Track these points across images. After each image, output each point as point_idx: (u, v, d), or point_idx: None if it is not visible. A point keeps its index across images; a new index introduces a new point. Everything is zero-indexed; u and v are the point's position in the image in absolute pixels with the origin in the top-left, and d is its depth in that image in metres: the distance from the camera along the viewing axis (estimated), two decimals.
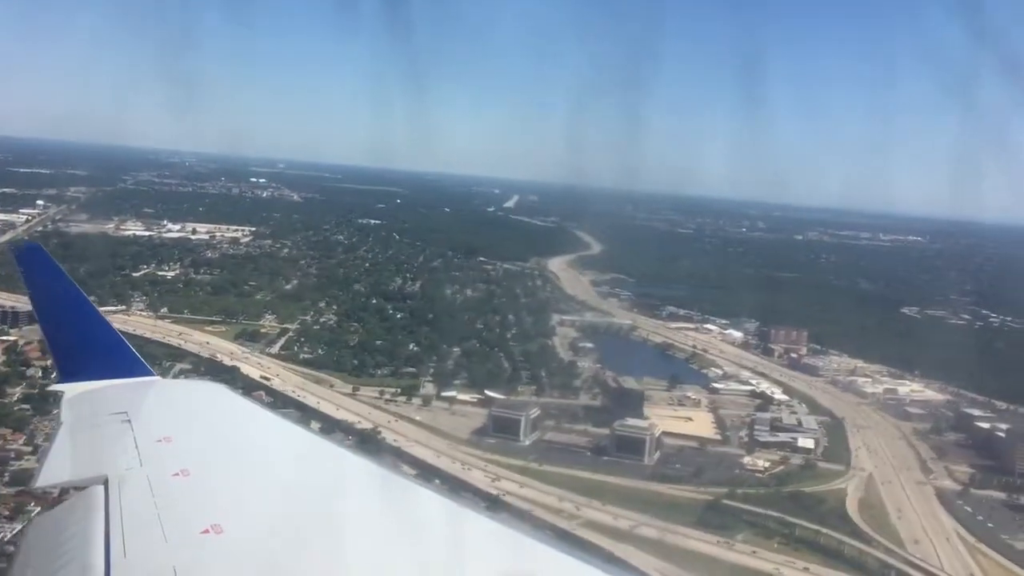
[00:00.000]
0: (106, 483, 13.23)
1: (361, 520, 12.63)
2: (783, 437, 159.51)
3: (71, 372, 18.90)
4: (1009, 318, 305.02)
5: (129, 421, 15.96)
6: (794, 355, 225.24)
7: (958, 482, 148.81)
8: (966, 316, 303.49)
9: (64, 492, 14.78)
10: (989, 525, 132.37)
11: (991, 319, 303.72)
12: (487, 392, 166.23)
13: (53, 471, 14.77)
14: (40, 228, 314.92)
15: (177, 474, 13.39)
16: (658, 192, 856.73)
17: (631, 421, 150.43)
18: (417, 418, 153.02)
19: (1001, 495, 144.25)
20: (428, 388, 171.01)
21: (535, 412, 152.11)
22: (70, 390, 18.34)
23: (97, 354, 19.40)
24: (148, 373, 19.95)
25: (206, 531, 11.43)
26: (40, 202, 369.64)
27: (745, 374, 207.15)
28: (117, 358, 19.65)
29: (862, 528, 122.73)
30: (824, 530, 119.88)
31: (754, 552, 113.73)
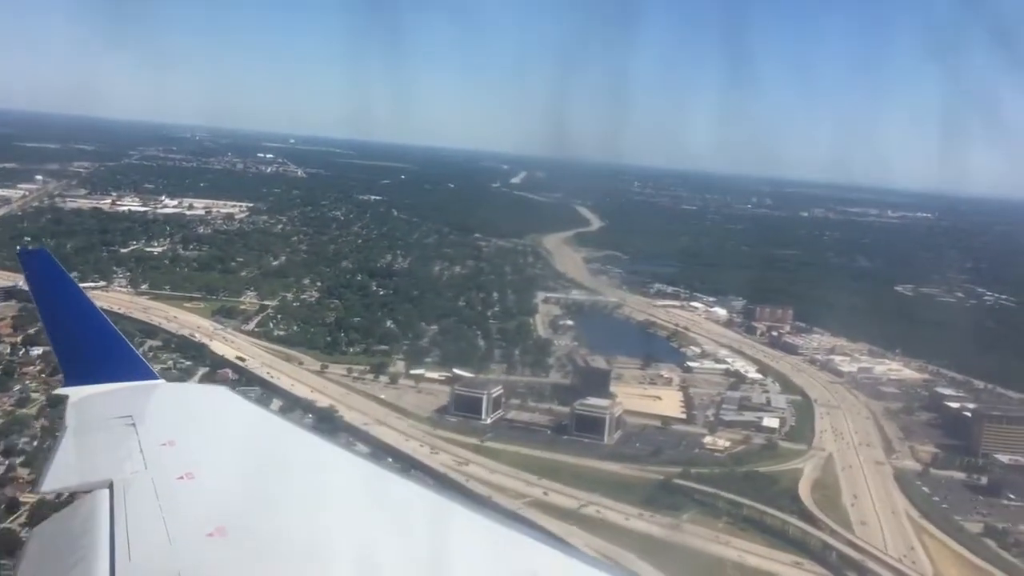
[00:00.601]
0: (111, 486, 13.32)
1: (365, 522, 12.85)
2: (749, 416, 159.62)
3: (76, 376, 19.04)
4: (1004, 296, 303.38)
5: (134, 425, 16.07)
6: (775, 333, 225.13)
7: (920, 462, 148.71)
8: (960, 294, 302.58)
9: (70, 494, 14.95)
10: (944, 506, 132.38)
11: (985, 297, 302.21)
12: (455, 370, 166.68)
13: (58, 476, 14.92)
14: (36, 204, 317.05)
15: (182, 477, 13.48)
16: (668, 168, 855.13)
17: (591, 400, 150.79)
18: (381, 396, 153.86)
19: (961, 475, 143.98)
20: (399, 366, 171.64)
21: (497, 391, 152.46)
22: (75, 394, 18.48)
23: (102, 358, 19.51)
24: (152, 376, 20.14)
25: (211, 534, 11.50)
26: (39, 177, 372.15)
27: (723, 352, 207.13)
28: (122, 362, 19.80)
29: (810, 509, 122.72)
30: (771, 511, 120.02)
31: (696, 532, 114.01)
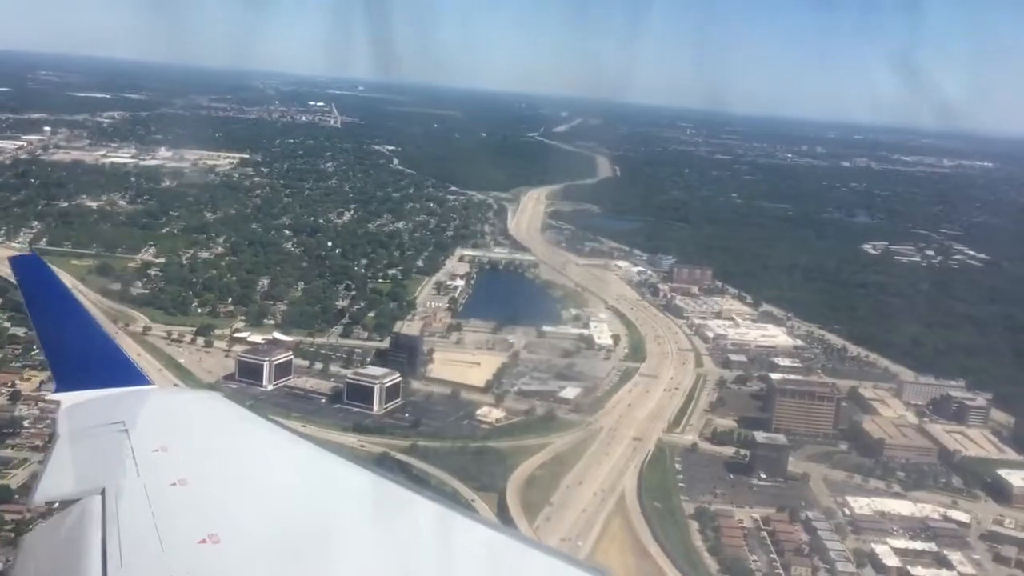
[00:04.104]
0: (103, 493, 13.46)
1: (357, 529, 13.00)
2: (552, 386, 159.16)
3: (68, 381, 19.06)
4: (984, 255, 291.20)
5: (126, 431, 16.14)
6: (671, 295, 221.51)
7: (703, 437, 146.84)
8: (930, 252, 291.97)
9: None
10: (680, 485, 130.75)
11: (956, 257, 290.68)
12: (275, 335, 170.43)
13: (51, 485, 15.09)
14: (24, 156, 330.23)
15: (174, 484, 13.56)
16: (738, 114, 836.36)
17: (368, 369, 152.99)
18: (180, 360, 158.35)
19: (729, 452, 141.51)
20: (238, 327, 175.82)
21: (283, 357, 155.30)
22: (67, 400, 18.56)
23: (94, 363, 19.63)
24: (145, 382, 20.28)
25: (203, 541, 11.62)
26: (47, 128, 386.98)
27: (603, 315, 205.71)
28: (114, 367, 19.94)
29: (507, 492, 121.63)
30: (465, 493, 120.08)
31: None
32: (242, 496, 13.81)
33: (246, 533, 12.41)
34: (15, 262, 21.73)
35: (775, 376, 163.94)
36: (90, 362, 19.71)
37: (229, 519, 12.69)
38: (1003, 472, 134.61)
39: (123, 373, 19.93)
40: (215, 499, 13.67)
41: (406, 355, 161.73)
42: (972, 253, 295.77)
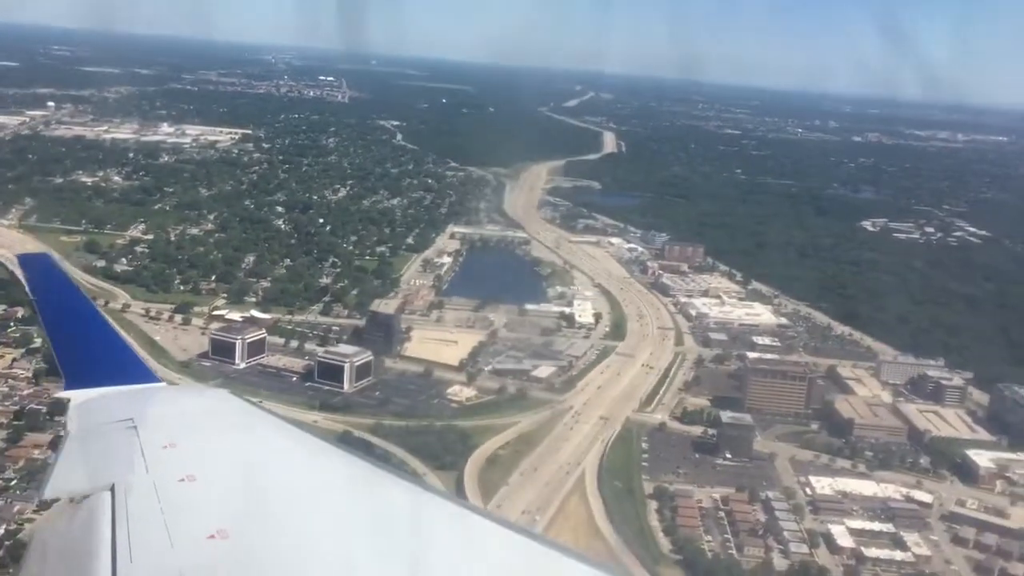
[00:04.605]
0: (112, 489, 13.53)
1: (365, 526, 13.01)
2: (526, 365, 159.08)
3: (77, 379, 19.11)
4: (985, 232, 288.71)
5: (135, 428, 16.25)
6: (658, 273, 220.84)
7: (673, 417, 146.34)
8: (930, 229, 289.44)
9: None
10: (644, 464, 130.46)
11: (956, 232, 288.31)
12: (253, 312, 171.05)
13: (61, 481, 15.17)
14: (26, 131, 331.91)
15: (183, 480, 13.70)
16: (753, 87, 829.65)
17: (339, 348, 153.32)
18: (156, 338, 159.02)
19: (698, 431, 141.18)
20: (218, 305, 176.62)
21: (256, 336, 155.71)
22: (76, 397, 18.66)
23: (103, 361, 19.79)
24: (153, 380, 20.44)
25: (212, 536, 11.72)
26: (51, 103, 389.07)
27: (588, 293, 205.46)
28: (123, 365, 20.12)
29: (465, 473, 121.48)
30: (423, 472, 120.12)
31: None
32: (251, 492, 13.82)
33: (254, 529, 12.50)
34: (25, 261, 22.06)
35: (752, 355, 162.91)
36: (99, 360, 19.88)
37: (238, 515, 12.76)
38: (971, 453, 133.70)
39: (132, 371, 20.17)
40: (224, 495, 13.73)
41: (382, 333, 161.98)
42: (973, 230, 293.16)
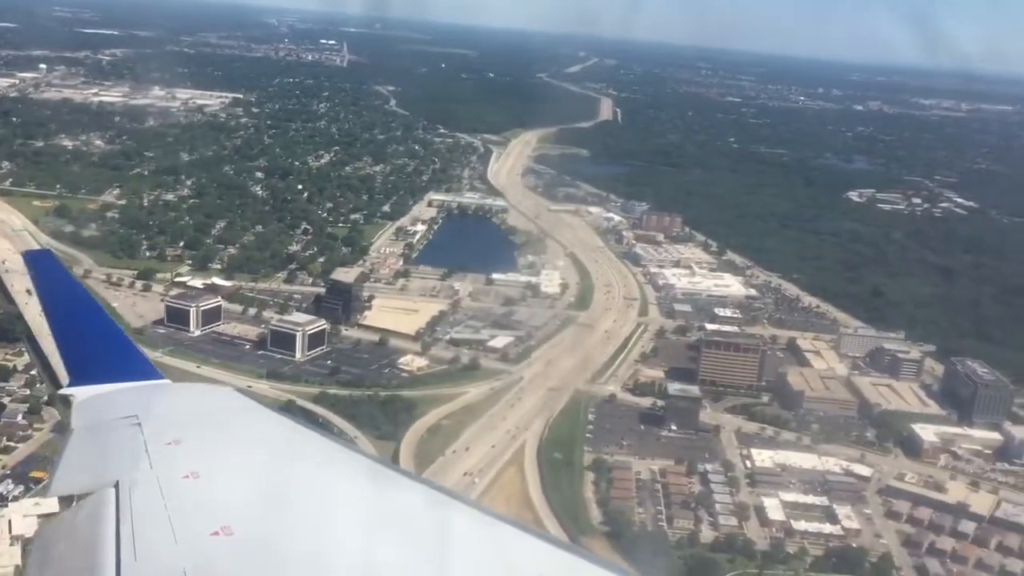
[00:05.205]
0: (117, 486, 13.52)
1: (371, 523, 12.94)
2: (483, 335, 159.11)
3: (81, 376, 18.99)
4: (973, 203, 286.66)
5: (139, 424, 16.13)
6: (632, 243, 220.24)
7: (624, 388, 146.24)
8: (917, 200, 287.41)
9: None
10: (588, 436, 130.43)
11: (943, 203, 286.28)
12: (214, 280, 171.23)
13: (65, 479, 15.38)
14: (14, 94, 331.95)
15: (187, 476, 13.60)
16: (762, 54, 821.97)
17: (292, 316, 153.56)
18: (114, 304, 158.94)
19: (648, 403, 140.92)
20: (181, 271, 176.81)
21: (212, 303, 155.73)
22: (80, 394, 18.56)
23: (107, 358, 19.71)
24: (157, 376, 20.13)
25: (216, 533, 11.69)
26: (42, 66, 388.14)
27: (559, 263, 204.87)
28: (127, 361, 19.99)
29: (402, 444, 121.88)
30: (362, 442, 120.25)
31: None
32: (255, 489, 13.77)
33: (259, 526, 12.45)
34: (29, 257, 22.13)
35: (710, 327, 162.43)
36: (103, 357, 19.77)
37: (242, 512, 12.73)
38: (917, 427, 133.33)
39: (136, 367, 19.99)
40: (228, 492, 13.66)
41: (340, 302, 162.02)
42: (960, 201, 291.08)
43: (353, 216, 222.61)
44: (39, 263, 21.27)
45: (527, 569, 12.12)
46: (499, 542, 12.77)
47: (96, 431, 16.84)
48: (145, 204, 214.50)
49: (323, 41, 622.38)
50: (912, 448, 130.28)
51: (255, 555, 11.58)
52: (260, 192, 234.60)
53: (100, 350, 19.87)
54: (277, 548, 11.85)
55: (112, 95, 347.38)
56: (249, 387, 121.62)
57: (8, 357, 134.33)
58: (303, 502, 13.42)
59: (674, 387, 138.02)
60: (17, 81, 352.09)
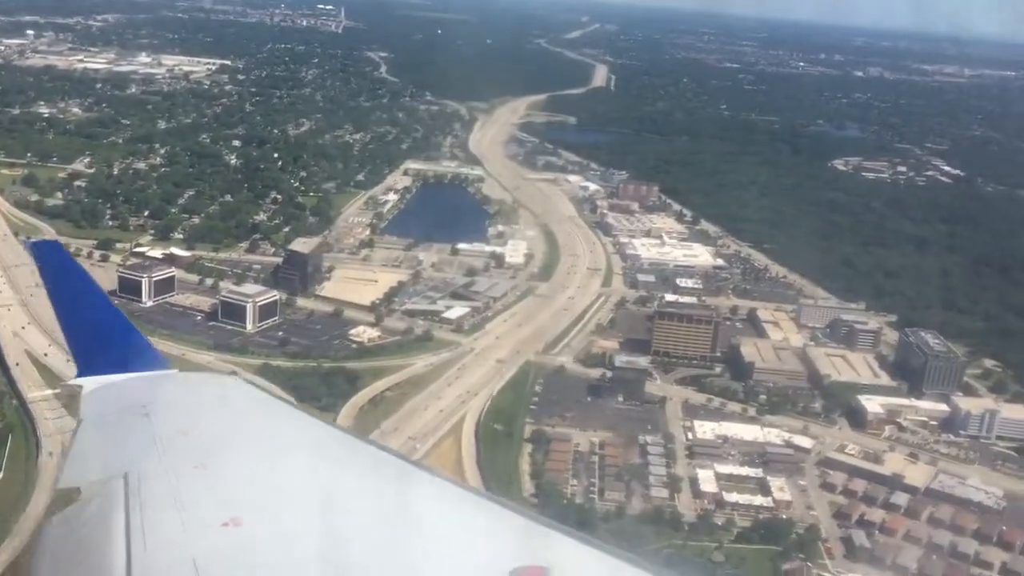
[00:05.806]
0: (126, 476, 13.54)
1: (379, 512, 12.99)
2: (438, 306, 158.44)
3: (89, 366, 19.20)
4: (959, 171, 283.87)
5: (148, 415, 16.36)
6: (605, 212, 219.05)
7: (576, 360, 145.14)
8: (903, 168, 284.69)
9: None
10: (532, 408, 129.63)
11: (928, 172, 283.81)
12: (173, 250, 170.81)
13: (75, 469, 15.45)
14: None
15: (196, 467, 13.75)
16: (767, 19, 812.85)
17: (243, 287, 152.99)
18: None
19: (596, 375, 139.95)
20: (142, 241, 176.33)
21: (165, 274, 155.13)
22: (89, 384, 18.76)
23: (115, 348, 19.74)
24: (165, 366, 20.53)
25: (225, 524, 11.74)
26: (29, 32, 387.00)
27: (530, 232, 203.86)
28: (135, 352, 20.08)
29: (339, 415, 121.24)
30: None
31: None
32: (264, 479, 13.84)
33: (268, 516, 12.52)
34: (35, 248, 21.98)
35: (669, 298, 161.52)
36: (111, 347, 19.82)
37: (251, 502, 12.80)
38: (863, 398, 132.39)
39: (144, 358, 20.19)
40: (237, 482, 13.78)
41: (297, 272, 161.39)
42: (947, 169, 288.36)
43: (326, 185, 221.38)
44: (46, 253, 20.97)
45: (535, 555, 11.87)
46: (505, 529, 12.84)
47: (105, 422, 17.10)
48: (115, 173, 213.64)
49: (320, 6, 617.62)
50: (857, 419, 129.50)
51: (264, 546, 11.70)
52: (234, 161, 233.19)
53: (108, 340, 19.87)
54: (286, 539, 11.90)
55: (97, 62, 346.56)
56: (187, 357, 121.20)
57: None
58: (311, 493, 13.35)
59: (621, 359, 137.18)
60: (2, 48, 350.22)
